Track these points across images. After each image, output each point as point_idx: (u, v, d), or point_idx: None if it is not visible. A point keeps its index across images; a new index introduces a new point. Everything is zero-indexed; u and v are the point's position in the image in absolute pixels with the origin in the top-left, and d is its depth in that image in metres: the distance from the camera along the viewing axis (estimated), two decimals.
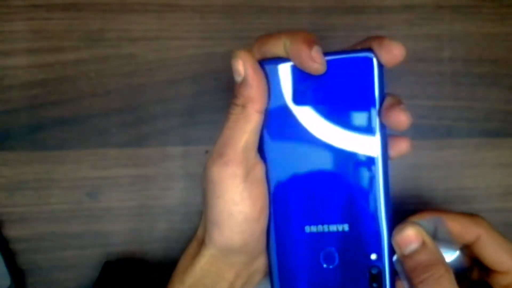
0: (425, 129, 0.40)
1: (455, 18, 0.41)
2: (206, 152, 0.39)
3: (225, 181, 0.26)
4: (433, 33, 0.41)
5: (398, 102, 0.26)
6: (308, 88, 0.27)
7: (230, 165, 0.26)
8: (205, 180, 0.27)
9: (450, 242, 0.28)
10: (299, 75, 0.26)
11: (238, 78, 0.26)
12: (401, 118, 0.26)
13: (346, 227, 0.27)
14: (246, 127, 0.26)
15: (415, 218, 0.28)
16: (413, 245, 0.26)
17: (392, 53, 0.26)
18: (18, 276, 0.38)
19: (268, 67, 0.27)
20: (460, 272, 0.28)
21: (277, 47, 0.26)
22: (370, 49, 0.26)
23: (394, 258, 0.27)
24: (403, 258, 0.26)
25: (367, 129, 0.26)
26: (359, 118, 0.27)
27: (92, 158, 0.38)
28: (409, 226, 0.26)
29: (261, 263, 0.29)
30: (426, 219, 0.28)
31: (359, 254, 0.27)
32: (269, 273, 0.28)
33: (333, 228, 0.27)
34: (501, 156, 0.41)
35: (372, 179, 0.27)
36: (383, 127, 0.27)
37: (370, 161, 0.27)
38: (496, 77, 0.41)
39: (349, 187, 0.27)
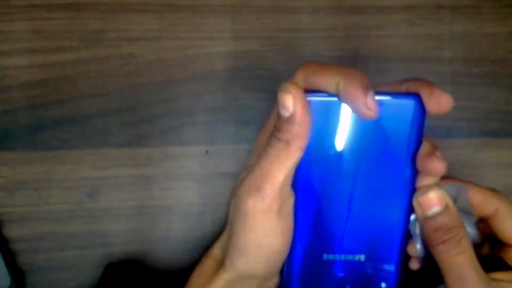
0: (424, 129, 0.40)
1: (455, 18, 0.41)
2: (206, 152, 0.39)
3: (260, 215, 0.26)
4: (433, 33, 0.41)
5: (435, 148, 0.27)
6: (350, 128, 0.27)
7: (268, 201, 0.25)
8: (237, 209, 0.27)
9: (468, 212, 0.29)
10: (337, 112, 0.26)
11: (285, 114, 0.25)
12: (437, 166, 0.26)
13: (362, 257, 0.28)
14: (287, 163, 0.25)
15: (440, 182, 0.28)
16: (436, 208, 0.27)
17: (440, 104, 0.26)
18: (18, 276, 0.38)
19: (313, 102, 0.26)
20: (473, 244, 0.28)
21: (328, 84, 0.25)
22: (417, 94, 0.26)
23: (412, 217, 0.28)
24: (425, 220, 0.27)
25: (398, 173, 0.27)
26: (391, 160, 0.27)
27: (92, 158, 0.38)
28: (434, 189, 0.27)
29: (273, 282, 0.29)
30: (450, 184, 0.28)
31: (369, 282, 0.29)
32: None
33: (350, 257, 0.28)
34: (501, 156, 0.41)
35: (395, 220, 0.28)
36: (413, 172, 0.27)
37: (396, 204, 0.28)
38: (496, 77, 0.41)
39: (371, 222, 0.28)
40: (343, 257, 0.28)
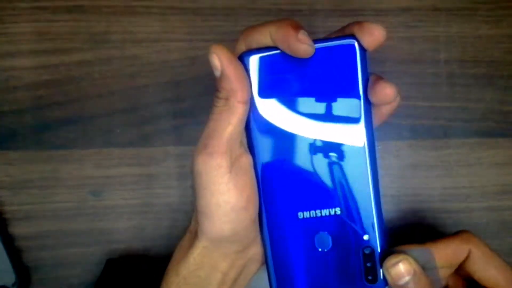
0: (421, 129, 0.41)
1: (451, 20, 0.41)
2: None
3: (210, 172, 0.26)
4: (430, 35, 0.41)
5: (380, 78, 0.27)
6: (292, 77, 0.27)
7: (215, 157, 0.26)
8: (192, 171, 0.27)
9: (436, 274, 0.29)
10: (282, 64, 0.27)
11: (217, 73, 0.26)
12: (386, 91, 0.26)
13: (338, 210, 0.28)
14: (230, 118, 0.26)
15: (406, 247, 0.29)
16: (406, 278, 0.27)
17: (373, 35, 0.26)
18: (23, 273, 0.38)
19: (250, 58, 0.27)
20: None
21: (262, 35, 0.26)
22: (352, 35, 0.26)
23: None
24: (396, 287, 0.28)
25: (353, 115, 0.27)
26: (344, 105, 0.27)
27: (96, 158, 0.39)
28: (403, 261, 0.27)
29: (255, 252, 0.29)
30: (417, 250, 0.29)
31: (351, 236, 0.28)
32: (265, 261, 0.29)
33: (325, 212, 0.28)
34: (496, 155, 0.41)
35: (361, 163, 0.27)
36: (368, 111, 0.27)
37: (358, 147, 0.27)
38: (491, 78, 0.41)
39: (338, 173, 0.27)
40: (318, 213, 0.28)
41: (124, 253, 0.39)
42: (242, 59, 0.27)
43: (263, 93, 0.27)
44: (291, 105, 0.27)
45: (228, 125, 0.26)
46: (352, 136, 0.27)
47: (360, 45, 0.26)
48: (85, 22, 0.39)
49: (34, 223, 0.38)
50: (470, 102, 0.41)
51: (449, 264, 0.30)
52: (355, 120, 0.27)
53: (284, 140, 0.27)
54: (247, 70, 0.27)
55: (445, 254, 0.30)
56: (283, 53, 0.26)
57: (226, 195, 0.26)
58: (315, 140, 0.27)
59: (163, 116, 0.39)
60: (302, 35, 0.25)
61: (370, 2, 0.41)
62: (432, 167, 0.41)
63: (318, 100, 0.27)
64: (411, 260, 0.28)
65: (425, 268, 0.29)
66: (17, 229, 0.38)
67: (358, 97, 0.27)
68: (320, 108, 0.27)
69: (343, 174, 0.27)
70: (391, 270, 0.28)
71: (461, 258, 0.30)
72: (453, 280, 0.32)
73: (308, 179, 0.27)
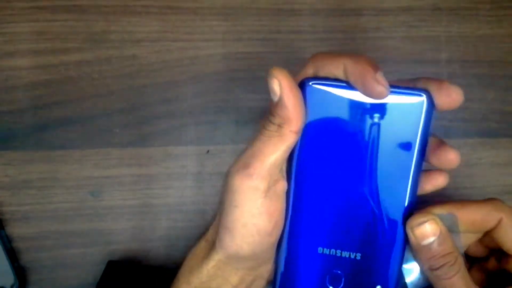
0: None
1: (452, 20, 0.41)
2: (207, 151, 0.39)
3: (246, 193, 0.26)
4: (431, 35, 0.41)
5: (443, 142, 0.27)
6: (348, 117, 0.26)
7: (255, 178, 0.25)
8: (225, 187, 0.27)
9: (458, 239, 0.28)
10: (343, 101, 0.26)
11: (274, 98, 0.25)
12: (450, 156, 0.26)
13: (358, 256, 0.28)
14: (279, 145, 0.25)
15: (435, 209, 0.28)
16: (431, 238, 0.27)
17: (451, 97, 0.26)
18: (22, 274, 0.38)
19: (313, 87, 0.26)
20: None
21: (334, 66, 0.25)
22: (425, 90, 0.26)
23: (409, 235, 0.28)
24: (420, 248, 0.27)
25: (400, 171, 0.27)
26: (395, 157, 0.26)
27: (95, 158, 0.39)
28: (430, 220, 0.27)
29: (265, 269, 0.29)
30: (444, 214, 0.28)
31: (365, 283, 0.28)
32: (273, 282, 0.29)
33: (346, 254, 0.28)
34: (497, 156, 0.41)
35: (394, 222, 0.27)
36: (416, 171, 0.27)
37: (396, 204, 0.27)
38: (492, 78, 0.41)
39: (370, 221, 0.27)
40: (338, 253, 0.28)
41: (123, 254, 0.39)
42: (304, 85, 0.26)
43: (315, 125, 0.26)
44: (340, 144, 0.27)
45: (275, 151, 0.26)
46: (393, 192, 0.27)
47: (430, 102, 0.26)
48: (84, 22, 0.39)
49: (33, 223, 0.38)
50: (471, 102, 0.41)
51: (475, 230, 0.29)
52: (401, 177, 0.27)
53: (324, 176, 0.27)
54: (305, 97, 0.26)
55: (472, 219, 0.28)
56: (347, 90, 0.26)
57: (256, 218, 0.26)
58: (355, 184, 0.27)
59: (162, 116, 0.39)
60: (380, 76, 0.25)
61: (371, 2, 0.41)
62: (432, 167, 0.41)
63: (369, 146, 0.26)
64: (438, 221, 0.27)
65: (450, 230, 0.28)
66: (16, 229, 0.38)
67: (412, 154, 0.26)
68: (368, 154, 0.27)
69: (374, 224, 0.27)
70: (416, 229, 0.27)
71: (489, 226, 0.29)
72: (475, 249, 0.31)
73: (338, 218, 0.27)
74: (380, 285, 0.28)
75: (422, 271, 0.29)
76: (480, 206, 0.29)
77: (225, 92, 0.40)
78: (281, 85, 0.25)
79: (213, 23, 0.40)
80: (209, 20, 0.40)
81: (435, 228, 0.27)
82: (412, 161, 0.26)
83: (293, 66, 0.39)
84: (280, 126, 0.25)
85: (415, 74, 0.40)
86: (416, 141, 0.26)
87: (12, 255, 0.38)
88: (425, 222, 0.27)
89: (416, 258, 0.28)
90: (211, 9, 0.40)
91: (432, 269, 0.27)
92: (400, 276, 0.28)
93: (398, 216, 0.27)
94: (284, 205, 0.27)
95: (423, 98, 0.26)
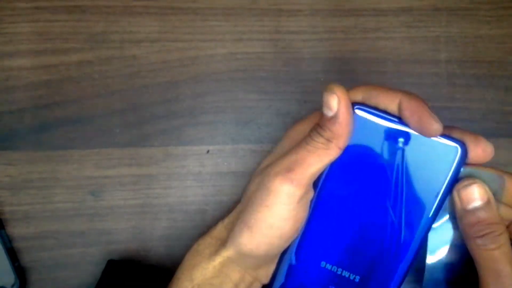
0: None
1: (452, 20, 0.41)
2: (207, 151, 0.39)
3: (282, 195, 0.26)
4: (430, 35, 0.41)
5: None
6: (383, 150, 0.27)
7: (295, 184, 0.26)
8: (260, 185, 0.27)
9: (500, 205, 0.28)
10: (384, 134, 0.27)
11: (329, 114, 0.26)
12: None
13: (357, 278, 0.28)
14: (324, 158, 0.26)
15: (485, 169, 0.27)
16: (477, 203, 0.26)
17: (486, 152, 0.26)
18: (22, 274, 0.38)
19: (363, 114, 0.27)
20: None
21: (389, 99, 0.26)
22: (461, 141, 0.26)
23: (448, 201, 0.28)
24: (464, 212, 0.27)
25: (422, 208, 0.27)
26: (420, 193, 0.27)
27: (96, 158, 0.39)
28: (478, 184, 0.27)
29: (265, 272, 0.29)
30: (492, 174, 0.27)
31: None
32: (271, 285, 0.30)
33: (346, 273, 0.28)
34: (497, 156, 0.39)
35: (399, 256, 0.28)
36: (436, 211, 0.27)
37: (405, 241, 0.28)
38: (492, 78, 0.41)
39: (377, 249, 0.28)
40: (339, 270, 0.28)
41: (123, 253, 0.39)
42: (353, 108, 0.27)
43: (352, 147, 0.27)
44: (368, 171, 0.27)
45: (319, 162, 0.26)
46: (407, 230, 0.28)
47: (464, 152, 0.26)
48: (84, 22, 0.39)
49: (33, 223, 0.38)
50: (471, 103, 0.41)
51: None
52: (418, 218, 0.27)
53: (347, 196, 0.28)
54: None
55: None
56: (392, 122, 0.27)
57: (284, 222, 0.27)
58: (375, 211, 0.28)
59: (162, 116, 0.39)
60: (435, 115, 0.25)
61: (370, 2, 0.41)
62: None
63: (397, 179, 0.27)
64: (485, 186, 0.27)
65: (496, 197, 0.27)
66: (16, 229, 0.38)
67: (436, 196, 0.27)
68: (393, 186, 0.27)
69: (379, 253, 0.28)
70: (462, 191, 0.27)
71: None
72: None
73: (350, 239, 0.28)
74: None
75: (453, 245, 0.28)
76: None
77: (225, 92, 0.40)
78: (340, 103, 0.26)
79: (213, 23, 0.40)
80: (209, 20, 0.40)
81: (483, 192, 0.26)
82: (434, 203, 0.27)
83: (293, 66, 0.40)
84: (328, 140, 0.26)
85: (414, 74, 0.41)
86: (442, 186, 0.27)
87: (13, 255, 0.38)
88: (473, 184, 0.26)
89: (458, 225, 0.27)
90: (211, 9, 0.40)
91: (475, 237, 0.26)
92: None
93: (407, 249, 0.28)
94: (306, 215, 0.28)
95: (458, 148, 0.26)
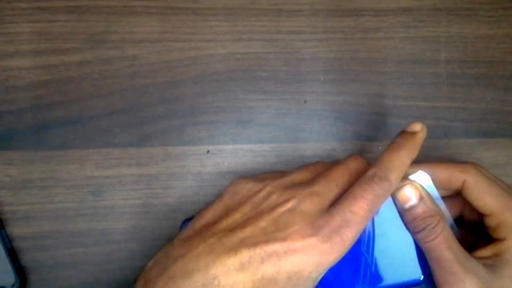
0: None
1: (452, 20, 0.41)
2: (208, 151, 0.39)
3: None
4: (430, 35, 0.41)
5: None
6: (389, 213, 0.30)
7: (347, 245, 0.27)
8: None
9: (443, 204, 0.31)
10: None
11: (413, 202, 0.29)
12: None
13: None
14: (378, 202, 0.28)
15: (409, 169, 0.30)
16: (412, 201, 0.29)
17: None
18: (22, 274, 0.38)
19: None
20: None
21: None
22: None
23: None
24: (404, 212, 0.30)
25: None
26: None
27: (96, 158, 0.39)
28: (409, 184, 0.29)
29: None
30: (416, 171, 0.31)
31: None
32: None
33: None
34: (497, 156, 0.41)
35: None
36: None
37: None
38: (492, 78, 0.41)
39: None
40: None
41: (123, 254, 0.39)
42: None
43: (382, 217, 0.30)
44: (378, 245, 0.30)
45: (380, 202, 0.28)
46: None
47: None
48: (84, 22, 0.39)
49: (33, 223, 0.38)
50: (471, 102, 0.41)
51: (445, 189, 0.32)
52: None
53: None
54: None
55: (439, 178, 0.31)
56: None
57: None
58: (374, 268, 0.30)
59: (163, 116, 0.39)
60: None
61: (370, 2, 0.41)
62: None
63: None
64: (417, 185, 0.30)
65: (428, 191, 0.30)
66: (17, 229, 0.38)
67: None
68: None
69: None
70: (397, 194, 0.30)
71: (454, 185, 0.31)
72: (470, 215, 0.33)
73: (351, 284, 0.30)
74: None
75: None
76: (447, 167, 0.31)
77: (225, 92, 0.40)
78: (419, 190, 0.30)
79: (213, 23, 0.40)
80: (210, 20, 0.40)
81: (415, 190, 0.29)
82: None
83: (293, 66, 0.40)
84: (385, 192, 0.28)
85: (414, 74, 0.41)
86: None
87: (13, 255, 0.38)
88: (405, 185, 0.29)
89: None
90: (211, 9, 0.40)
91: (416, 232, 0.29)
92: None
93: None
94: None
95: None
